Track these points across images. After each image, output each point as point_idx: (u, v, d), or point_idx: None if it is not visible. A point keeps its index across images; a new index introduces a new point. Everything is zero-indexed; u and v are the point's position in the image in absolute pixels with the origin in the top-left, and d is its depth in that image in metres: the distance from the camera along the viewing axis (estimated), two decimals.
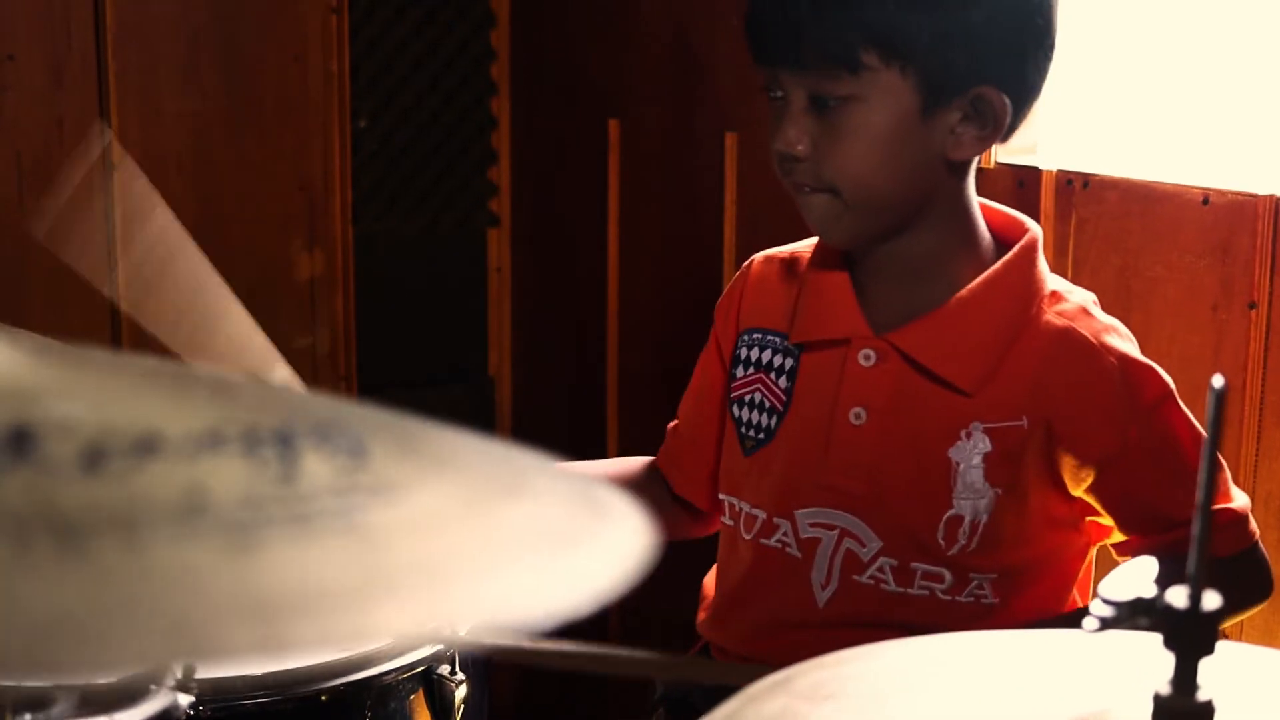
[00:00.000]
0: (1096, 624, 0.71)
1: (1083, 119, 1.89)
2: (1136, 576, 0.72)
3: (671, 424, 1.61)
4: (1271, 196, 1.71)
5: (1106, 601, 0.71)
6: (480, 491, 0.43)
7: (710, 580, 1.57)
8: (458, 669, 1.55)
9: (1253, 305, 1.73)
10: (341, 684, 1.47)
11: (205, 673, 1.17)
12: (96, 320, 2.46)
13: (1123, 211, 1.85)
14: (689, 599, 1.61)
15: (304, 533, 0.35)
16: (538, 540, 0.41)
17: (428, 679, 1.53)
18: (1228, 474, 1.41)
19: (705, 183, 2.43)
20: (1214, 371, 1.76)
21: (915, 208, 1.36)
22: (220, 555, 0.33)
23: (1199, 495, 0.68)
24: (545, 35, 2.77)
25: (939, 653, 0.84)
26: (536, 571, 0.40)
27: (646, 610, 2.41)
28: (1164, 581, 0.72)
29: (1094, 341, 1.35)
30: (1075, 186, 1.89)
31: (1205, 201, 1.77)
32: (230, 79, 2.62)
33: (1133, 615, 0.70)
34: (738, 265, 2.40)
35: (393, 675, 1.50)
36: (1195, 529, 0.68)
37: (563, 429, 2.86)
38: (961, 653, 0.84)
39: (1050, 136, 1.93)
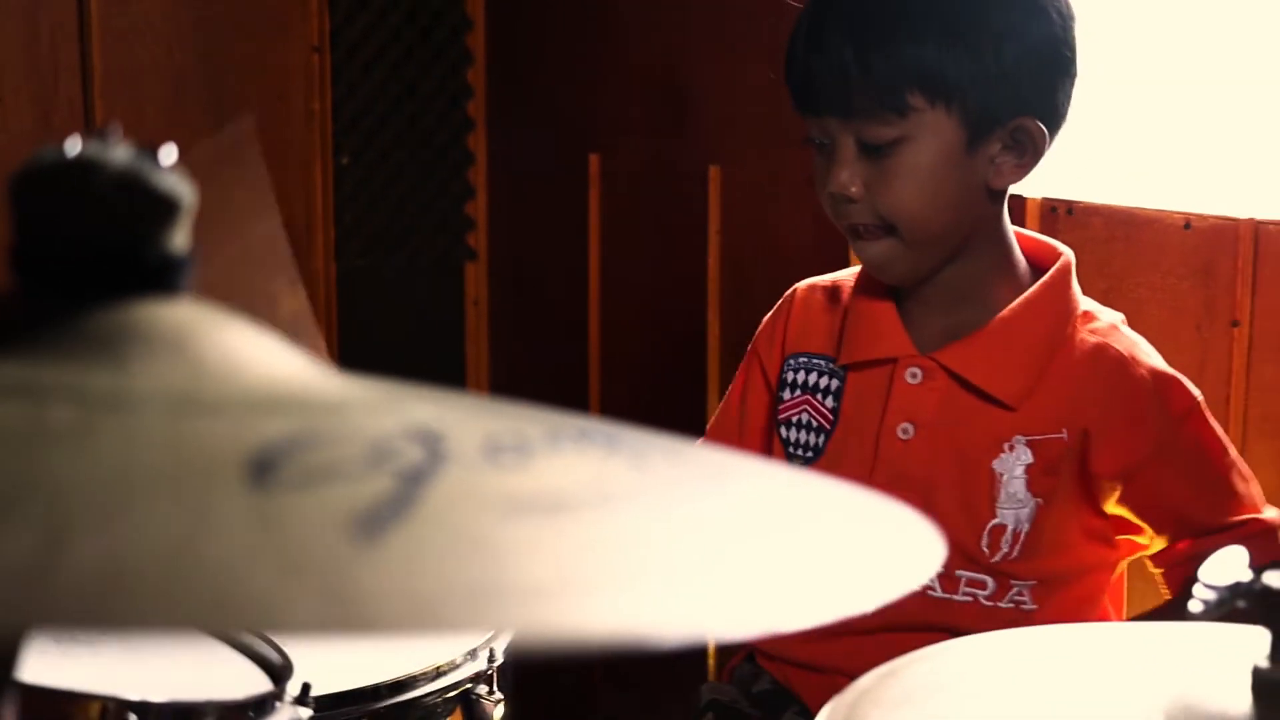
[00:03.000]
0: (1201, 606, 0.78)
1: (1066, 147, 1.97)
2: (1232, 563, 0.79)
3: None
4: (1252, 220, 1.80)
5: (1208, 586, 0.78)
6: (775, 488, 0.49)
7: None
8: (495, 689, 1.59)
9: (1235, 324, 1.82)
10: (381, 707, 1.51)
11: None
12: None
13: (1107, 236, 1.94)
14: None
15: (683, 507, 0.41)
16: (854, 529, 0.48)
17: (466, 700, 1.57)
18: (1258, 487, 1.48)
19: (688, 216, 2.49)
20: (1200, 388, 1.85)
21: (963, 238, 1.44)
22: (654, 524, 0.39)
23: None
24: (523, 72, 2.83)
25: (1039, 644, 0.91)
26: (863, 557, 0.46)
27: None
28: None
29: (1126, 356, 1.43)
30: (1060, 213, 1.97)
31: (1187, 226, 1.86)
32: (215, 119, 2.66)
33: (1233, 597, 0.77)
34: (722, 297, 2.48)
35: (433, 696, 1.54)
36: None
37: None
38: (1061, 644, 0.91)
39: None
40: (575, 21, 2.73)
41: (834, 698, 0.86)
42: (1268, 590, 0.76)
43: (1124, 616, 1.55)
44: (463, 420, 0.45)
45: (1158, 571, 1.50)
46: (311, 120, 2.75)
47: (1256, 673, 0.77)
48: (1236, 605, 0.78)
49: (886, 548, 0.49)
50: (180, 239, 0.48)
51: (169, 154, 0.48)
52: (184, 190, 0.48)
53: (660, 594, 0.37)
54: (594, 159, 2.67)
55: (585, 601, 0.35)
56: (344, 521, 0.36)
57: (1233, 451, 1.46)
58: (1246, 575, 0.78)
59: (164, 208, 0.47)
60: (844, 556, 0.46)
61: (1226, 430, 1.81)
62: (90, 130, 2.57)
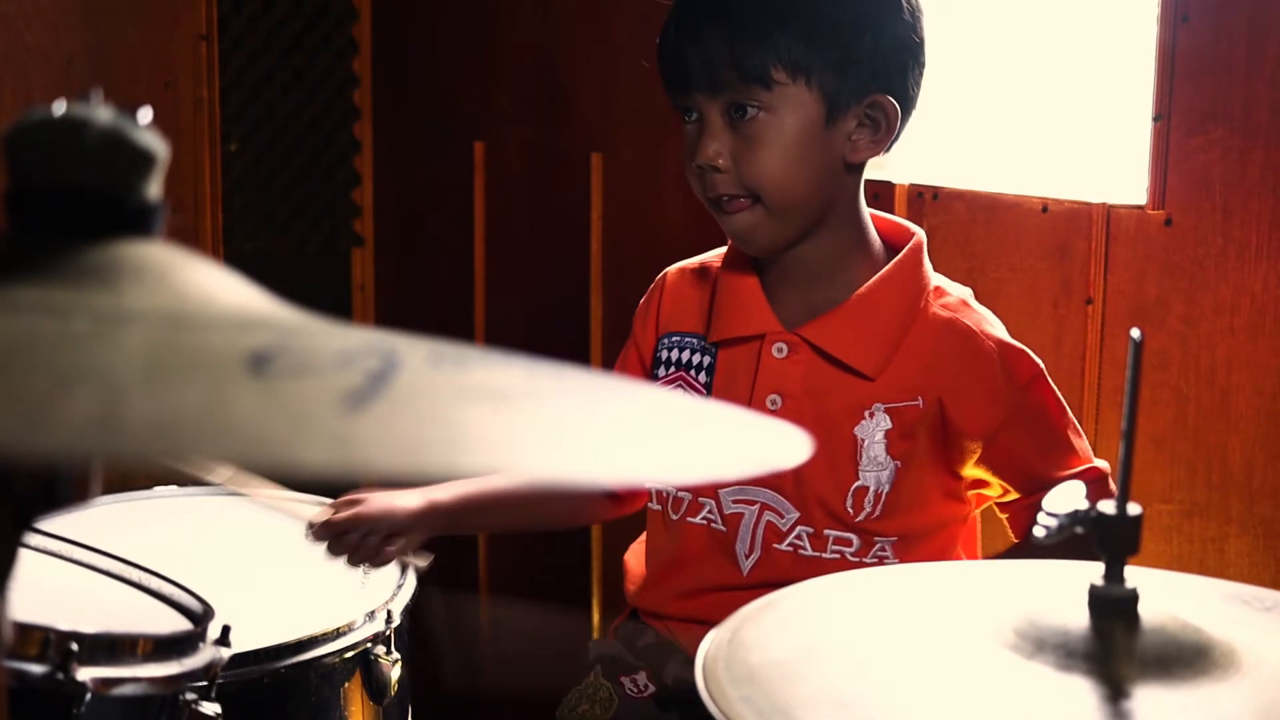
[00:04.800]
0: (1044, 532, 0.88)
1: (931, 136, 2.08)
2: (1070, 495, 0.89)
3: None
4: (1104, 204, 1.92)
5: (1050, 514, 0.88)
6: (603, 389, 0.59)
7: (631, 554, 1.72)
8: (393, 649, 1.66)
9: (1089, 301, 1.94)
10: (282, 666, 1.57)
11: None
12: None
13: (969, 220, 2.05)
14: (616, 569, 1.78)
15: (597, 403, 0.50)
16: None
17: (365, 660, 1.63)
18: (1086, 441, 1.60)
19: (571, 202, 2.57)
20: (1057, 362, 1.97)
21: (821, 211, 1.54)
22: (575, 410, 0.48)
23: (1124, 424, 0.85)
24: (408, 61, 2.89)
25: (902, 578, 1.00)
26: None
27: (583, 580, 2.57)
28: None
29: (975, 329, 1.55)
30: (926, 198, 2.08)
31: (1044, 210, 1.98)
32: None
33: (1073, 524, 0.87)
34: (604, 282, 2.57)
35: (333, 657, 1.60)
36: (1121, 452, 0.85)
37: None
38: (921, 577, 1.00)
39: (901, 152, 2.12)
40: (459, 12, 2.79)
41: (718, 625, 0.94)
42: (1102, 516, 0.86)
43: (979, 557, 1.66)
44: (406, 342, 0.53)
45: (1004, 516, 1.62)
46: (200, 107, 2.78)
47: (1093, 590, 0.87)
48: (1075, 531, 0.88)
49: (762, 439, 0.57)
50: (155, 188, 0.56)
51: (146, 114, 0.55)
52: (159, 145, 0.55)
53: (582, 450, 0.46)
54: (478, 147, 2.74)
55: (527, 453, 0.44)
56: (333, 398, 0.44)
57: (1069, 411, 1.59)
58: (1084, 505, 0.88)
59: (143, 160, 0.54)
60: (728, 440, 0.55)
61: (1081, 401, 1.94)
62: None
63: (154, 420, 0.40)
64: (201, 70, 2.77)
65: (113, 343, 0.45)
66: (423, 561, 1.68)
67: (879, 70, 1.51)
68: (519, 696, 2.57)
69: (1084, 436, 1.61)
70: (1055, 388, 1.57)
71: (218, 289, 0.53)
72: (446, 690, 1.53)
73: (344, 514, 1.59)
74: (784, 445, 0.56)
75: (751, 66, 1.47)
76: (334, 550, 1.59)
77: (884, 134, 1.53)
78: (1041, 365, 1.57)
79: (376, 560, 1.61)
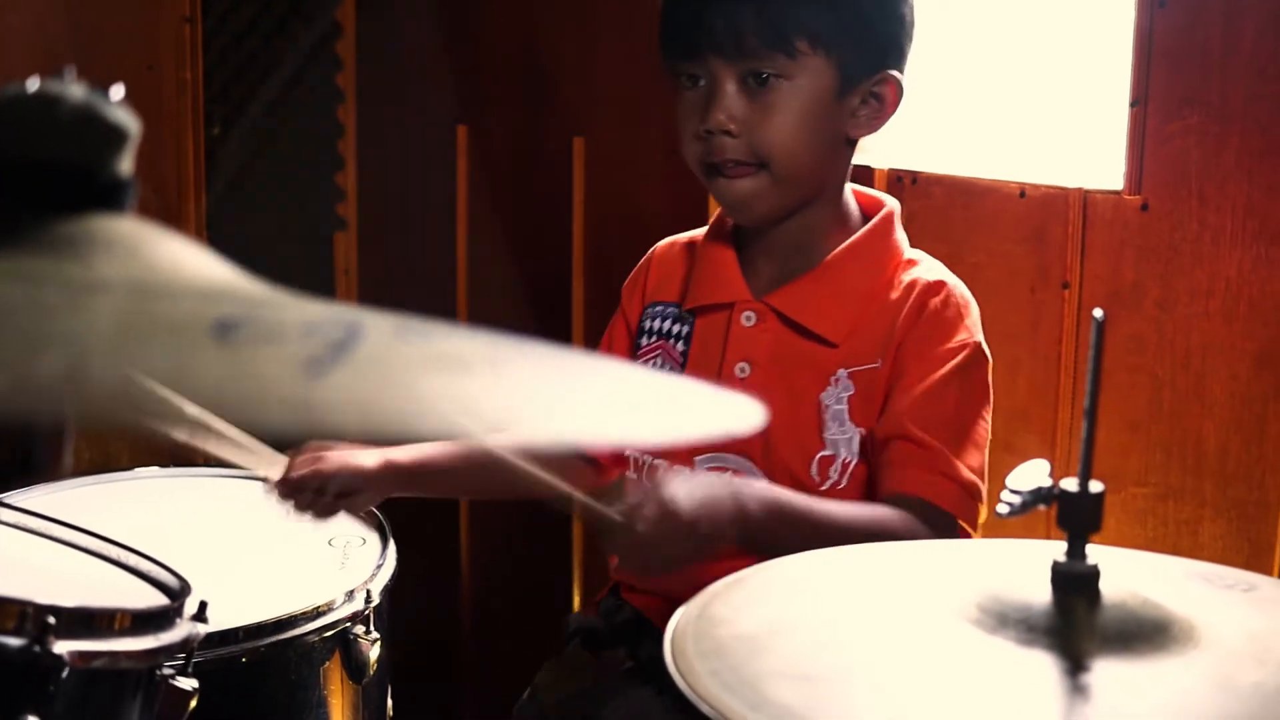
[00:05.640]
0: (1007, 509, 0.89)
1: (910, 121, 2.09)
2: (1033, 473, 0.91)
3: None
4: (1080, 189, 1.93)
5: (1014, 491, 0.89)
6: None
7: None
8: (372, 629, 1.67)
9: (1066, 285, 1.95)
10: (262, 645, 1.58)
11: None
12: None
13: (947, 204, 2.06)
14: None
15: (560, 373, 0.52)
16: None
17: (344, 639, 1.64)
18: (974, 468, 1.52)
19: (553, 186, 2.58)
20: (1033, 346, 1.98)
21: (820, 184, 1.56)
22: (536, 380, 0.49)
23: (1085, 402, 0.87)
24: (392, 44, 2.89)
25: (870, 555, 1.01)
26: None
27: (564, 557, 2.59)
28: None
29: (932, 281, 1.55)
30: (905, 182, 2.09)
31: (1021, 194, 1.99)
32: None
33: (1035, 500, 0.89)
34: (586, 265, 2.57)
35: (312, 635, 1.61)
36: (1084, 430, 0.87)
37: None
38: (888, 555, 1.02)
39: (881, 137, 2.12)
40: None
41: (688, 600, 0.96)
42: (1065, 494, 0.88)
43: None
44: (373, 316, 0.55)
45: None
46: (183, 90, 2.79)
47: (1055, 566, 0.89)
48: (1038, 508, 0.89)
49: (716, 407, 0.59)
50: (127, 164, 0.57)
51: (118, 91, 0.56)
52: (131, 122, 0.56)
53: (537, 415, 0.48)
54: (462, 130, 2.74)
55: (483, 417, 0.45)
56: (294, 365, 0.45)
57: (981, 414, 1.53)
58: (1047, 482, 0.89)
59: (115, 137, 0.55)
60: (684, 407, 0.57)
61: (1058, 385, 1.95)
62: None
63: (118, 382, 0.42)
64: (185, 52, 2.78)
65: (83, 310, 0.46)
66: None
67: (888, 48, 1.54)
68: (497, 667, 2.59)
69: (979, 460, 1.54)
70: (985, 385, 1.55)
71: (187, 262, 0.55)
72: None
73: (301, 470, 1.60)
74: (734, 413, 0.58)
75: (777, 35, 1.50)
76: (287, 501, 1.61)
77: (887, 111, 1.56)
78: (985, 352, 1.55)
79: (326, 516, 1.63)
